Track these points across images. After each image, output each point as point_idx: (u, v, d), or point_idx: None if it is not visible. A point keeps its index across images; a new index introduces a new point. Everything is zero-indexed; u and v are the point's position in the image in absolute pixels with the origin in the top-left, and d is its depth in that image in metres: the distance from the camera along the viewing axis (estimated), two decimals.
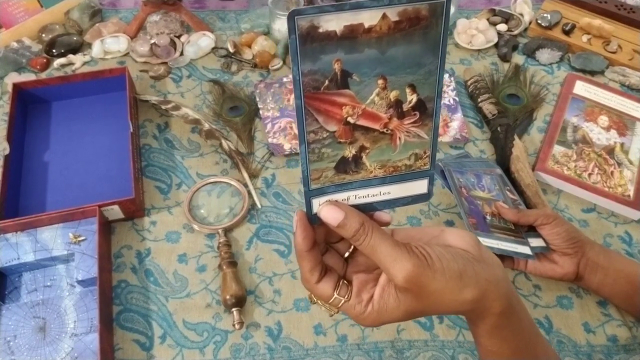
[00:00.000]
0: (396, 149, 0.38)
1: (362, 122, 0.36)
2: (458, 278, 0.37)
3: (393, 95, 0.35)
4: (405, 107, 0.36)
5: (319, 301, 0.42)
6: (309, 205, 0.39)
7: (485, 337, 0.42)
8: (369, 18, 0.32)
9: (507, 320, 0.40)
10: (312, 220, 0.40)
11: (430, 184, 0.41)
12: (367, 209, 0.40)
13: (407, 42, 0.33)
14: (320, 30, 0.32)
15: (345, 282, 0.41)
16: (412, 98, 0.36)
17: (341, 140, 0.37)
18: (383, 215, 0.41)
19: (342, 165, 0.38)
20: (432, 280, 0.36)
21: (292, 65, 0.33)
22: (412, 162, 0.39)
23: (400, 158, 0.39)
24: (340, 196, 0.39)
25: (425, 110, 0.37)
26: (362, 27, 0.32)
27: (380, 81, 0.35)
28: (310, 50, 0.32)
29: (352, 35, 0.32)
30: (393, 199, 0.40)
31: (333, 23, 0.31)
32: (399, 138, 0.38)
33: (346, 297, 0.40)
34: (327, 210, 0.38)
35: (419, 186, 0.41)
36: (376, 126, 0.37)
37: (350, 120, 0.36)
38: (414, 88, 0.36)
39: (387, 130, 0.37)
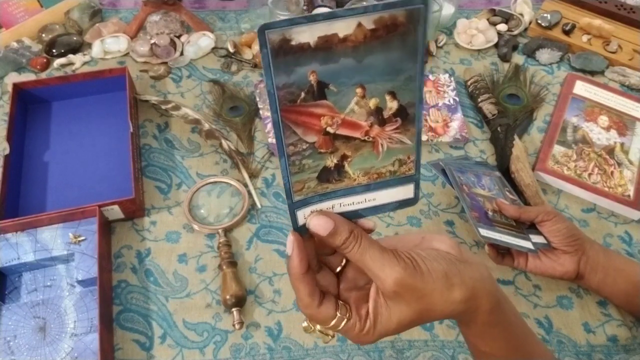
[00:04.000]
0: (379, 156, 0.37)
1: (342, 131, 0.36)
2: (444, 278, 0.37)
3: (372, 103, 0.35)
4: (386, 114, 0.36)
5: (316, 327, 0.41)
6: (293, 218, 0.38)
7: (477, 338, 0.42)
8: (343, 28, 0.31)
9: (496, 318, 0.40)
10: (300, 232, 0.39)
11: (417, 188, 0.40)
12: (352, 217, 0.39)
13: (385, 50, 0.33)
14: (293, 43, 0.31)
15: (342, 302, 0.40)
16: (392, 105, 0.35)
17: (322, 150, 0.36)
18: (366, 222, 0.40)
19: (325, 175, 0.37)
20: (420, 282, 0.36)
21: (265, 79, 0.32)
22: (396, 167, 0.38)
23: (384, 165, 0.38)
24: (324, 205, 0.38)
25: (407, 116, 0.36)
26: (336, 37, 0.31)
27: (358, 90, 0.34)
28: (283, 64, 0.31)
29: (326, 46, 0.31)
30: (379, 205, 0.40)
31: (306, 35, 0.31)
32: (381, 145, 0.37)
33: (347, 315, 0.39)
34: (316, 220, 0.37)
35: (405, 191, 0.40)
36: (357, 134, 0.36)
37: (330, 130, 0.35)
38: (394, 95, 0.35)
39: (368, 138, 0.36)
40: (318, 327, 0.41)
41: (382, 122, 0.36)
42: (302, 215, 0.38)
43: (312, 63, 0.32)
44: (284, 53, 0.31)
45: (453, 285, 0.37)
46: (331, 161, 0.37)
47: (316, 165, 0.37)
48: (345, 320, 0.39)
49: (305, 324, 0.42)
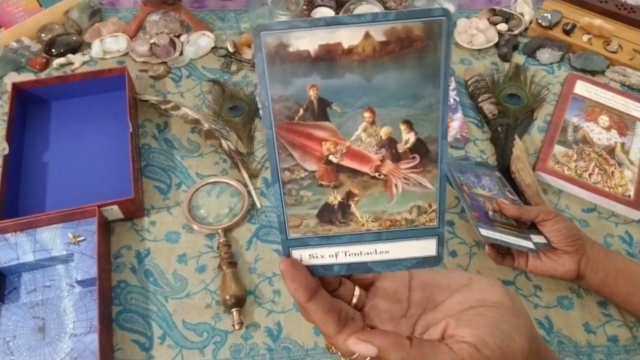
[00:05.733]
0: (392, 199, 0.32)
1: (347, 162, 0.31)
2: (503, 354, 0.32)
3: (384, 132, 0.30)
4: (401, 148, 0.30)
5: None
6: (287, 255, 0.34)
7: None
8: (348, 37, 0.27)
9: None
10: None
11: (440, 245, 0.33)
12: (360, 270, 0.34)
13: (399, 68, 0.28)
14: (291, 49, 0.27)
15: (369, 329, 0.34)
16: (408, 137, 0.30)
17: (323, 182, 0.31)
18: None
19: (327, 214, 0.32)
20: None
21: (259, 88, 0.29)
22: (414, 216, 0.32)
23: (399, 210, 0.32)
24: (326, 251, 0.33)
25: (427, 154, 0.30)
26: (340, 47, 0.28)
27: (366, 114, 0.29)
28: (280, 72, 0.28)
29: (329, 57, 0.28)
30: (393, 260, 0.34)
31: (305, 41, 0.27)
32: (395, 185, 0.32)
33: None
34: (356, 347, 0.31)
35: (425, 247, 0.33)
36: (365, 169, 0.31)
37: (333, 159, 0.31)
38: (410, 125, 0.30)
39: (379, 175, 0.31)
40: None
41: (397, 158, 0.31)
42: (298, 255, 0.34)
43: (312, 75, 0.28)
44: (280, 60, 0.28)
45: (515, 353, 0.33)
46: (334, 198, 0.32)
47: (316, 200, 0.32)
48: None
49: (326, 342, 0.37)
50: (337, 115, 0.30)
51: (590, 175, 0.78)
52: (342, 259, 0.33)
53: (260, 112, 0.84)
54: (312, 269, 0.34)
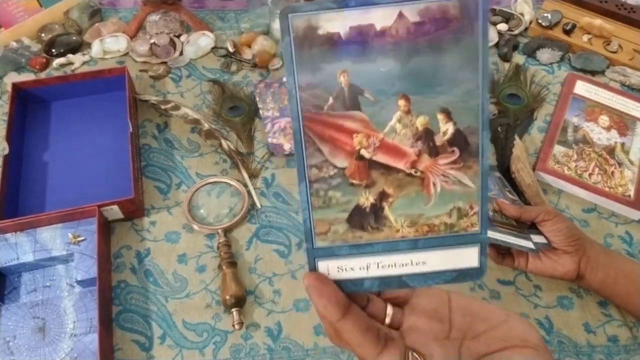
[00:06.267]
0: (430, 200, 0.29)
1: (380, 157, 0.28)
2: None
3: (420, 122, 0.28)
4: (439, 140, 0.28)
5: None
6: (312, 265, 0.30)
7: None
8: (381, 17, 0.26)
9: None
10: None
11: (483, 254, 0.30)
12: (393, 285, 0.31)
13: (435, 51, 0.26)
14: (320, 32, 0.26)
15: (413, 352, 0.30)
16: (447, 128, 0.28)
17: (354, 181, 0.29)
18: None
19: (358, 218, 0.29)
20: None
21: (286, 76, 0.27)
22: (454, 220, 0.29)
23: (437, 213, 0.29)
24: (356, 263, 0.30)
25: (467, 147, 0.28)
26: (372, 28, 0.26)
27: (401, 102, 0.27)
28: (308, 58, 0.27)
29: (360, 39, 0.26)
30: (430, 273, 0.30)
31: (336, 23, 0.26)
32: (434, 184, 0.29)
33: None
34: None
35: (466, 256, 0.30)
36: (400, 165, 0.29)
37: (365, 154, 0.28)
38: (448, 114, 0.27)
39: (415, 172, 0.29)
40: None
41: (434, 152, 0.28)
42: (325, 267, 0.30)
43: (343, 60, 0.27)
44: (309, 44, 0.26)
45: None
46: (366, 199, 0.29)
47: (347, 202, 0.29)
48: None
49: None
50: (369, 104, 0.27)
51: (590, 175, 0.78)
52: (374, 271, 0.30)
53: (259, 107, 0.84)
54: (340, 285, 0.30)
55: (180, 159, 0.79)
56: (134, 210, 0.70)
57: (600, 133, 0.83)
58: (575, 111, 0.86)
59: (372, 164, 0.29)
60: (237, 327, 0.62)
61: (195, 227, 0.71)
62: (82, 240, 0.65)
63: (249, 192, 0.75)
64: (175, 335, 0.63)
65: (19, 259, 0.64)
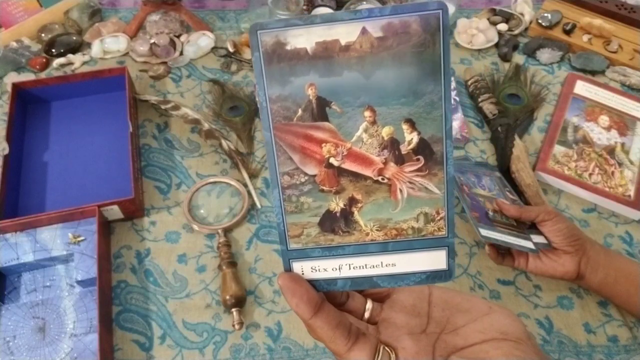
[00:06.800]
0: (397, 206, 0.30)
1: (348, 165, 0.30)
2: None
3: (386, 132, 0.29)
4: (404, 149, 0.29)
5: None
6: (288, 269, 0.32)
7: None
8: (345, 33, 0.27)
9: None
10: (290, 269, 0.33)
11: (451, 257, 0.31)
12: (365, 285, 0.32)
13: (397, 64, 0.28)
14: (288, 47, 0.27)
15: (386, 347, 0.32)
16: (411, 137, 0.29)
17: (324, 187, 0.30)
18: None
19: (329, 222, 0.31)
20: None
21: (257, 89, 0.29)
22: (421, 224, 0.31)
23: (405, 218, 0.31)
24: (329, 264, 0.31)
25: (432, 155, 0.29)
26: (337, 44, 0.27)
27: (367, 113, 0.29)
28: (277, 72, 0.28)
29: (326, 55, 0.27)
30: (400, 274, 0.32)
31: (302, 39, 0.27)
32: (400, 190, 0.30)
33: None
34: None
35: (435, 259, 0.31)
36: (368, 172, 0.30)
37: (334, 162, 0.30)
38: (412, 124, 0.29)
39: (382, 179, 0.30)
40: None
41: (400, 160, 0.30)
42: (300, 268, 0.32)
43: (310, 73, 0.28)
44: (278, 59, 0.28)
45: None
46: (336, 204, 0.31)
47: (318, 207, 0.31)
48: None
49: None
50: (336, 115, 0.29)
51: (590, 175, 0.78)
52: (346, 272, 0.32)
53: (260, 113, 0.83)
54: (314, 284, 0.32)
55: (180, 159, 0.79)
56: (134, 210, 0.70)
57: (600, 133, 0.83)
58: (575, 111, 0.86)
59: (341, 172, 0.30)
60: (237, 327, 0.62)
61: (195, 227, 0.71)
62: (82, 240, 0.65)
63: (249, 192, 0.75)
64: (175, 335, 0.63)
65: (19, 259, 0.64)
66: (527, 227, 0.67)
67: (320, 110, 0.29)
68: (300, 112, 0.29)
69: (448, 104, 0.29)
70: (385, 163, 0.30)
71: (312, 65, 0.28)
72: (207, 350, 0.62)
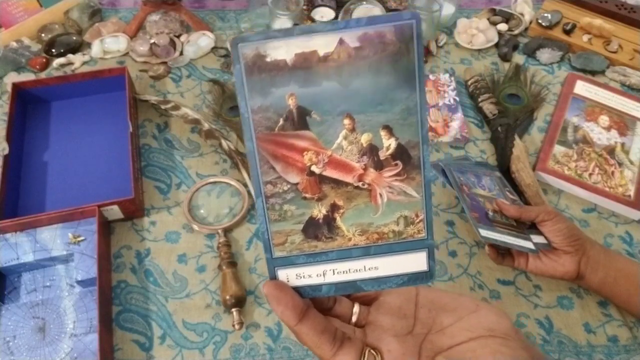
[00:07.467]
0: (378, 210, 0.31)
1: (330, 172, 0.30)
2: None
3: (364, 139, 0.30)
4: (383, 154, 0.30)
5: None
6: (273, 277, 0.33)
7: None
8: (323, 44, 0.28)
9: None
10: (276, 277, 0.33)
11: (431, 258, 0.32)
12: (349, 289, 0.33)
13: (374, 73, 0.28)
14: (268, 59, 0.28)
15: (372, 350, 0.32)
16: (389, 143, 0.30)
17: (307, 195, 0.31)
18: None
19: (312, 229, 0.32)
20: None
21: (238, 100, 0.29)
22: (401, 227, 0.32)
23: (386, 222, 0.32)
24: (313, 270, 0.32)
25: (410, 160, 0.30)
26: (316, 55, 0.28)
27: (346, 121, 0.29)
28: (258, 83, 0.29)
29: (305, 65, 0.28)
30: (382, 277, 0.32)
31: (282, 51, 0.28)
32: (380, 195, 0.31)
33: None
34: None
35: (415, 261, 0.32)
36: (348, 179, 0.31)
37: (315, 169, 0.30)
38: (390, 130, 0.30)
39: (363, 185, 0.31)
40: None
41: (379, 165, 0.31)
42: (285, 275, 0.32)
43: (290, 84, 0.29)
44: (258, 70, 0.28)
45: None
46: (319, 211, 0.31)
47: (301, 214, 0.31)
48: None
49: None
50: (317, 124, 0.30)
51: (590, 175, 0.78)
52: (331, 277, 0.32)
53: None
54: (300, 291, 0.32)
55: (180, 159, 0.79)
56: (134, 210, 0.70)
57: (600, 133, 0.83)
58: (575, 111, 0.86)
59: (322, 179, 0.31)
60: (237, 327, 0.62)
61: (195, 227, 0.71)
62: (82, 240, 0.65)
63: (249, 192, 0.75)
64: (175, 335, 0.63)
65: (19, 259, 0.64)
66: (527, 227, 0.67)
67: (300, 119, 0.29)
68: (281, 121, 0.30)
69: (423, 111, 0.29)
70: (365, 169, 0.31)
71: (292, 76, 0.29)
72: (207, 350, 0.62)
